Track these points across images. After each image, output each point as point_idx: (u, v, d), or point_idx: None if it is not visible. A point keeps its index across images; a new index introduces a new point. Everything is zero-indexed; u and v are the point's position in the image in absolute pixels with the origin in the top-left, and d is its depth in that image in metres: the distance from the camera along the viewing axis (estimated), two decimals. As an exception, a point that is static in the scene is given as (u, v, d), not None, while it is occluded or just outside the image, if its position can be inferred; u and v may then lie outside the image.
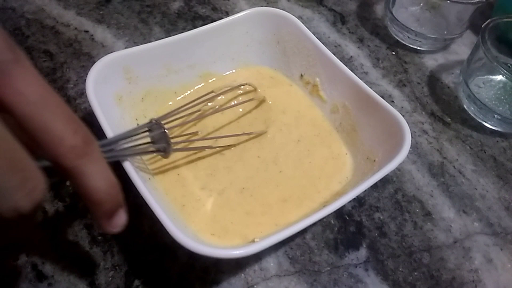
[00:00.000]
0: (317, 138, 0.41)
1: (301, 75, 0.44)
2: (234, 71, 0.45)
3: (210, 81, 0.44)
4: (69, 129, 0.21)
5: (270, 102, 0.43)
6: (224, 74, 0.45)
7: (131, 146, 0.32)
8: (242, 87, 0.44)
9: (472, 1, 0.49)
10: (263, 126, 0.42)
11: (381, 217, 0.39)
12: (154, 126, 0.34)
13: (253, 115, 0.43)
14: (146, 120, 0.41)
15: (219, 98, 0.43)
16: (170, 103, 0.42)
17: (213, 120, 0.41)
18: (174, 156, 0.38)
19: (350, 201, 0.39)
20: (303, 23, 0.43)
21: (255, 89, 0.44)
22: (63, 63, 0.48)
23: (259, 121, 0.42)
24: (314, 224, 0.38)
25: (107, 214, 0.25)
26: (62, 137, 0.20)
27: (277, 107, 0.43)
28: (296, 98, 0.44)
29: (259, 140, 0.41)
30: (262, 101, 0.43)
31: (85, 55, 0.49)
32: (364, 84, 0.38)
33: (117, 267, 0.34)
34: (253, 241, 0.30)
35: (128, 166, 0.31)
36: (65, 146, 0.20)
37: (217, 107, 0.42)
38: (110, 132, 0.33)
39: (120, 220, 0.26)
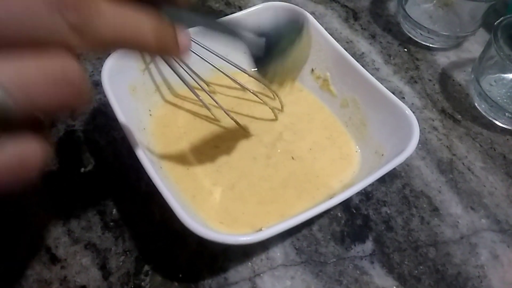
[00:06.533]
0: (328, 141, 0.42)
1: (312, 70, 0.44)
2: (247, 70, 0.45)
3: (222, 75, 0.44)
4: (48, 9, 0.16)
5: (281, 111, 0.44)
6: (235, 70, 0.45)
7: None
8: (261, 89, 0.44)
9: (486, -2, 0.49)
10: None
11: (388, 211, 0.39)
12: None
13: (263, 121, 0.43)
14: (160, 112, 0.42)
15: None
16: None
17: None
18: (183, 150, 0.39)
19: (357, 195, 0.40)
20: (315, 19, 0.43)
21: (273, 97, 0.44)
22: (79, 55, 0.49)
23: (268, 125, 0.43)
24: (321, 216, 0.38)
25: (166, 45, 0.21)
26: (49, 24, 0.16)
27: (288, 116, 0.43)
28: (307, 102, 0.44)
29: (267, 142, 0.41)
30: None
31: (100, 47, 0.50)
32: (374, 78, 0.39)
33: (128, 252, 0.35)
34: (261, 229, 0.31)
35: (140, 154, 0.32)
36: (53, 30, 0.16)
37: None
38: (125, 122, 0.34)
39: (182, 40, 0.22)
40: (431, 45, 0.53)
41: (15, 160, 0.17)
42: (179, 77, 0.40)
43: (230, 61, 0.41)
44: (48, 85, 0.16)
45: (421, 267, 0.36)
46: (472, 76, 0.48)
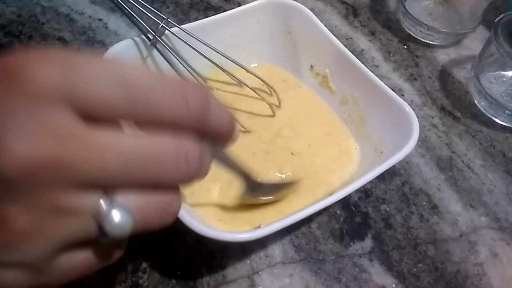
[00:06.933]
0: (327, 137, 0.41)
1: (311, 66, 0.44)
2: (245, 66, 0.44)
3: (220, 71, 0.44)
4: (180, 104, 0.19)
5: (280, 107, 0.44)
6: (233, 66, 0.45)
7: None
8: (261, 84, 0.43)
9: (486, -5, 0.48)
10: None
11: (388, 209, 0.39)
12: None
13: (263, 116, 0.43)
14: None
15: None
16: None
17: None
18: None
19: (356, 192, 0.40)
20: (315, 15, 0.43)
21: (271, 93, 0.44)
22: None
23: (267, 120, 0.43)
24: (320, 213, 0.38)
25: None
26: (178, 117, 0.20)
27: (286, 112, 0.43)
28: (305, 98, 0.44)
29: (266, 138, 0.41)
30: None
31: (98, 43, 0.49)
32: (373, 75, 0.38)
33: (125, 250, 0.35)
34: (259, 227, 0.31)
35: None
36: (185, 121, 0.20)
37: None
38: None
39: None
40: (431, 42, 0.53)
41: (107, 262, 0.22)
42: (177, 73, 0.40)
43: (228, 57, 0.40)
44: (160, 214, 0.20)
45: (420, 265, 0.36)
46: (472, 73, 0.48)
